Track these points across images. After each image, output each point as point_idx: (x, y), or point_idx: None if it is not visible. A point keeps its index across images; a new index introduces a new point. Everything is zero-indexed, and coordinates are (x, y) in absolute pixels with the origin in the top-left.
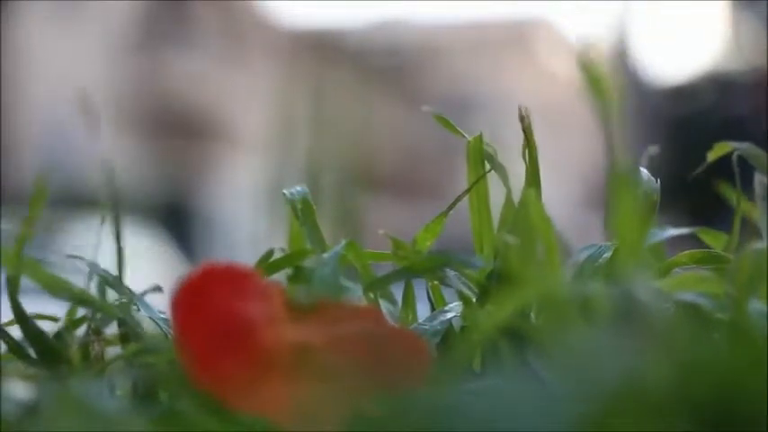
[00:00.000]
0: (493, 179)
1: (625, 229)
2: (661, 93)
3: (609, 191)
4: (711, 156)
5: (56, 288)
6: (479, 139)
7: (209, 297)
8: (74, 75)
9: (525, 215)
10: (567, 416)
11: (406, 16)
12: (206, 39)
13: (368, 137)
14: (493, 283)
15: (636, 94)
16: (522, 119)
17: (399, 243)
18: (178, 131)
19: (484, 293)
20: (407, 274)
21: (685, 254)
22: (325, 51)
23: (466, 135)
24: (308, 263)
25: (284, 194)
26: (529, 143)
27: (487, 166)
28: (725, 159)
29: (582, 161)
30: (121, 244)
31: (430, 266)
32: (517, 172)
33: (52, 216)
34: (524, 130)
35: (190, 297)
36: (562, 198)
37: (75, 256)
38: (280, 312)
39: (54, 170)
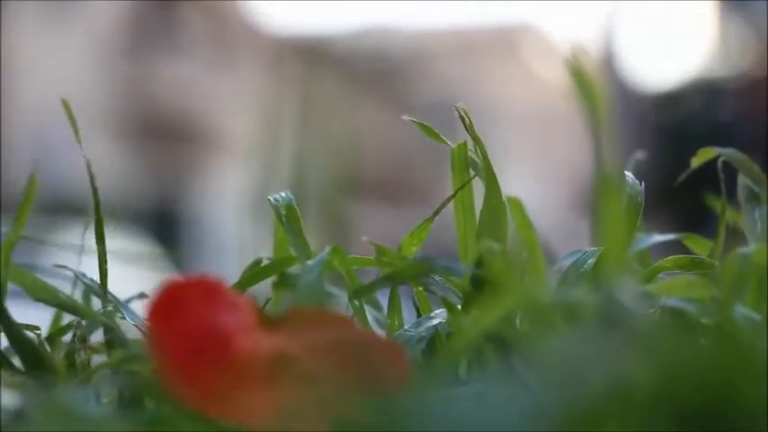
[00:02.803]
0: (477, 185)
1: (611, 234)
2: (648, 99)
3: (595, 195)
4: (695, 161)
5: (42, 294)
6: (464, 146)
7: (183, 308)
8: (62, 80)
9: (494, 220)
10: (553, 420)
11: (392, 22)
12: (194, 44)
13: (355, 142)
14: (477, 290)
15: (623, 100)
16: (462, 118)
17: (383, 250)
18: (166, 137)
19: (468, 300)
20: (392, 280)
21: (670, 259)
22: (312, 57)
23: (449, 143)
24: (293, 269)
25: (269, 201)
26: (476, 142)
27: (472, 173)
28: (712, 164)
29: (569, 165)
30: (105, 251)
31: (415, 273)
32: (504, 176)
33: (39, 222)
34: (467, 129)
35: (165, 308)
36: (549, 202)
37: (62, 266)
38: (253, 322)
39: (40, 174)
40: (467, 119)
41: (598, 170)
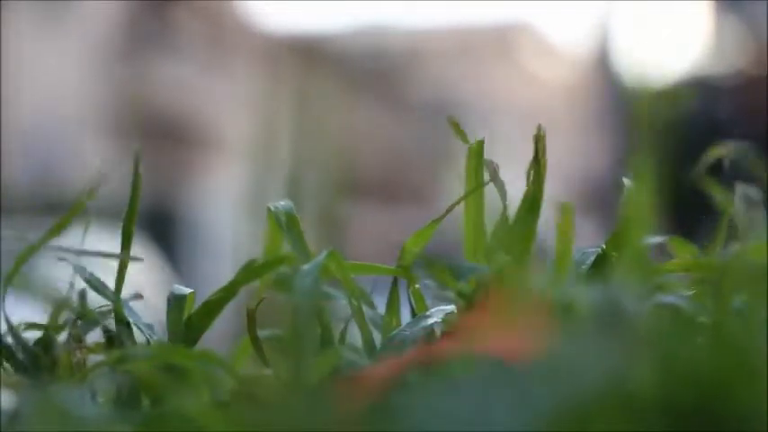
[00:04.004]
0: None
1: (634, 234)
2: (644, 97)
3: (622, 194)
4: (709, 156)
5: (42, 293)
6: (480, 145)
7: None
8: (58, 82)
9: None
10: (550, 419)
11: (389, 21)
12: (190, 45)
13: (351, 142)
14: (483, 290)
15: (618, 98)
16: (537, 139)
17: (406, 250)
18: (162, 138)
19: (472, 300)
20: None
21: (674, 261)
22: (308, 57)
23: (468, 140)
24: (287, 270)
25: (269, 208)
26: (539, 163)
27: (486, 176)
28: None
29: (565, 164)
30: (128, 259)
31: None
32: (500, 174)
33: (37, 222)
34: (537, 148)
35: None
36: (546, 200)
37: (63, 258)
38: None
39: (38, 175)
40: (543, 138)
41: (632, 171)
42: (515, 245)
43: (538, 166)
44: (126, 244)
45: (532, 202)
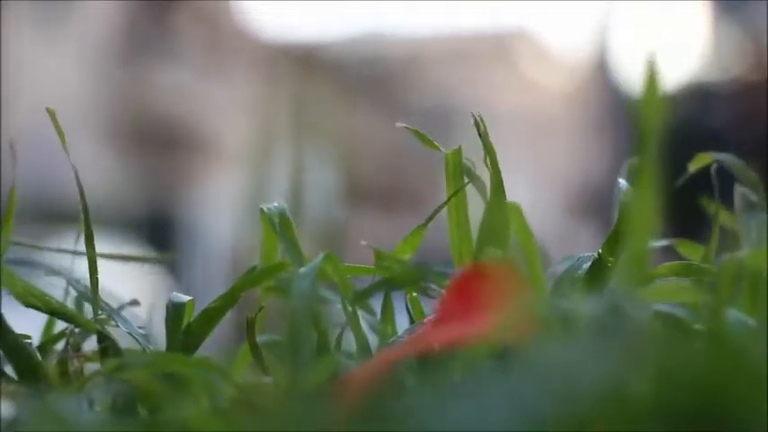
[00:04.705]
0: (470, 191)
1: (635, 238)
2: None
3: (619, 199)
4: (693, 166)
5: (34, 301)
6: (458, 152)
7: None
8: (56, 87)
9: (496, 227)
10: (548, 424)
11: (386, 28)
12: (188, 51)
13: (350, 148)
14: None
15: (617, 104)
16: (476, 125)
17: (382, 254)
18: (160, 144)
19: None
20: (389, 285)
21: (665, 265)
22: (306, 63)
23: (442, 149)
24: (286, 276)
25: (261, 210)
26: (487, 149)
27: (466, 179)
28: (704, 170)
29: (563, 171)
30: (95, 258)
31: (411, 278)
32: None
33: (38, 228)
34: (480, 136)
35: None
36: (542, 207)
37: (54, 272)
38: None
39: (37, 178)
40: (482, 125)
41: (635, 175)
42: (495, 235)
43: (489, 151)
44: (90, 249)
45: (495, 186)
